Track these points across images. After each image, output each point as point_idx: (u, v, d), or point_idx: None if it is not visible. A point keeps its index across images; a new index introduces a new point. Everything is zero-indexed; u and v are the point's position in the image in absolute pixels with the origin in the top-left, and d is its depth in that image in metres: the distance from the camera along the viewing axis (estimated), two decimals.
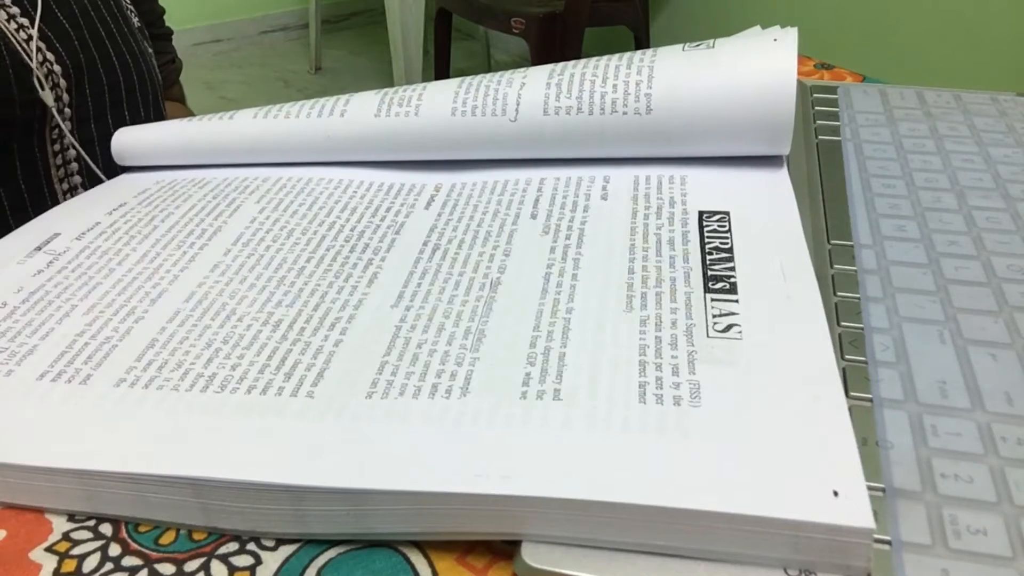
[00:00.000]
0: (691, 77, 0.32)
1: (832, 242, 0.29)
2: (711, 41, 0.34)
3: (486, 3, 1.61)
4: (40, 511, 0.23)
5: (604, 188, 0.33)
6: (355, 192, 0.35)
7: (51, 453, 0.22)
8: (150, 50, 0.58)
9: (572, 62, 0.34)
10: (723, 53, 0.32)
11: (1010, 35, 1.32)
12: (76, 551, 0.22)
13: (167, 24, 0.71)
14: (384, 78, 2.19)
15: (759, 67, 0.31)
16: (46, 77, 0.47)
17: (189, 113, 0.72)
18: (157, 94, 0.57)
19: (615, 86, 0.32)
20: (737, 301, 0.25)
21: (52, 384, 0.25)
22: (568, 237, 0.30)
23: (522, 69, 0.35)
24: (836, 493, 0.19)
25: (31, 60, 0.45)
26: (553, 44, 1.54)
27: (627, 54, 0.34)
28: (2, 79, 0.44)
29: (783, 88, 0.31)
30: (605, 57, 0.34)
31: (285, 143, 0.37)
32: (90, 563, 0.21)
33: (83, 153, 0.49)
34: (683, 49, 0.33)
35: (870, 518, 0.18)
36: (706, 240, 0.28)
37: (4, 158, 0.46)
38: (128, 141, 0.39)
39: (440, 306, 0.27)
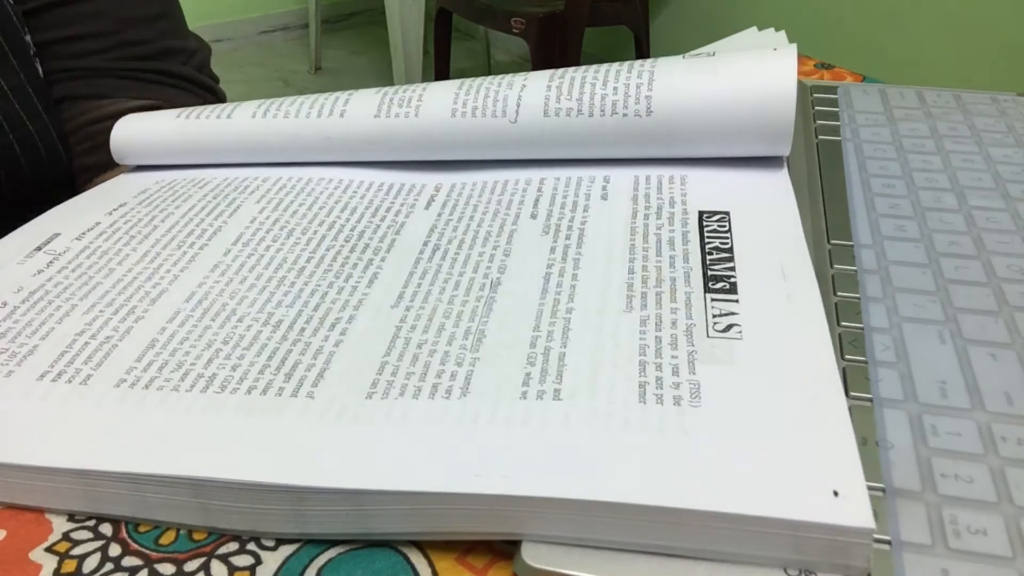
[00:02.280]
0: (692, 80, 0.32)
1: (832, 242, 0.29)
2: (711, 51, 0.34)
3: (486, 3, 1.61)
4: (40, 511, 0.23)
5: (604, 188, 0.33)
6: (355, 192, 0.35)
7: (51, 453, 0.22)
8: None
9: (573, 68, 0.34)
10: (724, 61, 0.32)
11: (1010, 35, 1.32)
12: (76, 551, 0.22)
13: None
14: (384, 78, 2.19)
15: (760, 69, 0.31)
16: None
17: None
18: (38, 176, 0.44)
19: (615, 88, 0.32)
20: (737, 301, 0.25)
21: (52, 384, 0.25)
22: (568, 237, 0.30)
23: (522, 73, 0.35)
24: (836, 493, 0.19)
25: None
26: (553, 44, 1.54)
27: (627, 62, 0.34)
28: None
29: (784, 91, 0.31)
30: (606, 64, 0.34)
31: (285, 143, 0.37)
32: (90, 563, 0.21)
33: None
34: (683, 57, 0.33)
35: (870, 518, 0.18)
36: (706, 240, 0.28)
37: None
38: (126, 139, 0.39)
39: (440, 306, 0.27)
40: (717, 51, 0.34)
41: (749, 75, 0.31)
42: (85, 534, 0.22)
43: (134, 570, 0.21)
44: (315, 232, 0.32)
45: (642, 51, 1.76)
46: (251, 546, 0.22)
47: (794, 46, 0.32)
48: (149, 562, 0.21)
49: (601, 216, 0.31)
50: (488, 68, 2.28)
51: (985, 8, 1.34)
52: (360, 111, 0.35)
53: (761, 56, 0.32)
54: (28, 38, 0.44)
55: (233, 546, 0.22)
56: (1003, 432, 0.22)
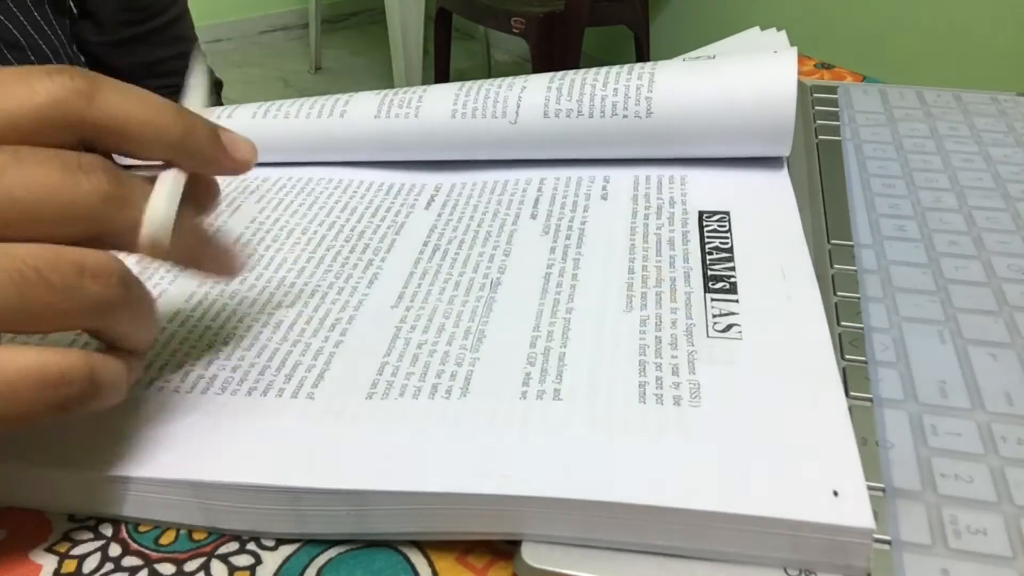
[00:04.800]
0: (692, 81, 0.32)
1: (832, 242, 0.29)
2: (712, 53, 0.34)
3: (486, 3, 1.61)
4: (40, 511, 0.23)
5: (604, 188, 0.33)
6: (355, 192, 0.35)
7: (50, 455, 0.22)
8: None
9: (573, 71, 0.34)
10: (724, 63, 0.32)
11: (1010, 35, 1.32)
12: (76, 551, 0.22)
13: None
14: (384, 78, 2.19)
15: (760, 70, 0.31)
16: None
17: None
18: None
19: (615, 90, 0.32)
20: (737, 301, 0.25)
21: None
22: (568, 237, 0.30)
23: (522, 76, 0.35)
24: (836, 493, 0.19)
25: None
26: (553, 44, 1.54)
27: (628, 65, 0.34)
28: None
29: (784, 91, 0.31)
30: (606, 67, 0.34)
31: (285, 143, 0.37)
32: (90, 563, 0.21)
33: None
34: (683, 60, 0.33)
35: (870, 518, 0.18)
36: (706, 240, 0.28)
37: None
38: None
39: (440, 306, 0.27)
40: (717, 53, 0.34)
41: (749, 76, 0.31)
42: (85, 534, 0.22)
43: (134, 570, 0.21)
44: (315, 232, 0.32)
45: (642, 51, 1.76)
46: (251, 546, 0.22)
47: (794, 49, 0.32)
48: (149, 562, 0.21)
49: (601, 216, 0.31)
50: (488, 68, 2.27)
51: (985, 8, 1.34)
52: (360, 112, 0.35)
53: (761, 58, 0.32)
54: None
55: (233, 546, 0.22)
56: (1003, 432, 0.22)
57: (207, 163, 0.22)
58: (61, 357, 0.18)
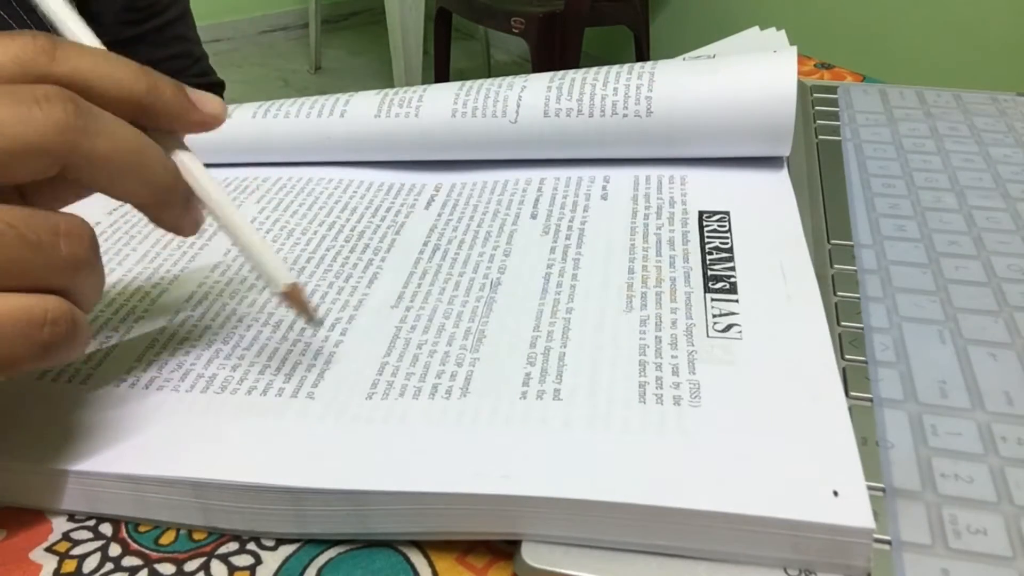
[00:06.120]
0: (692, 81, 0.32)
1: (832, 242, 0.29)
2: (712, 52, 0.34)
3: (486, 3, 1.61)
4: (40, 511, 0.23)
5: (604, 188, 0.33)
6: (355, 192, 0.35)
7: (50, 454, 0.22)
8: None
9: (573, 70, 0.34)
10: (724, 63, 0.32)
11: (1010, 35, 1.32)
12: (76, 551, 0.22)
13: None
14: (384, 78, 2.19)
15: (760, 70, 0.31)
16: None
17: None
18: None
19: (615, 89, 0.32)
20: (737, 301, 0.25)
21: (52, 384, 0.25)
22: (568, 237, 0.30)
23: (523, 75, 0.35)
24: (836, 493, 0.19)
25: None
26: (553, 44, 1.54)
27: (628, 64, 0.34)
28: None
29: (784, 91, 0.31)
30: (606, 66, 0.34)
31: (285, 143, 0.37)
32: (90, 563, 0.21)
33: None
34: (684, 59, 0.33)
35: (870, 518, 0.18)
36: (706, 240, 0.28)
37: None
38: None
39: (440, 306, 0.27)
40: (717, 53, 0.34)
41: (749, 76, 0.31)
42: (85, 534, 0.22)
43: (134, 570, 0.21)
44: (315, 232, 0.32)
45: (642, 51, 1.76)
46: (251, 546, 0.22)
47: (794, 48, 0.32)
48: (149, 562, 0.21)
49: (601, 216, 0.31)
50: (488, 68, 2.27)
51: (985, 8, 1.34)
52: (360, 111, 0.35)
53: (761, 58, 0.32)
54: None
55: (233, 546, 0.22)
56: (1003, 432, 0.22)
57: (175, 118, 0.22)
58: (41, 300, 0.19)
